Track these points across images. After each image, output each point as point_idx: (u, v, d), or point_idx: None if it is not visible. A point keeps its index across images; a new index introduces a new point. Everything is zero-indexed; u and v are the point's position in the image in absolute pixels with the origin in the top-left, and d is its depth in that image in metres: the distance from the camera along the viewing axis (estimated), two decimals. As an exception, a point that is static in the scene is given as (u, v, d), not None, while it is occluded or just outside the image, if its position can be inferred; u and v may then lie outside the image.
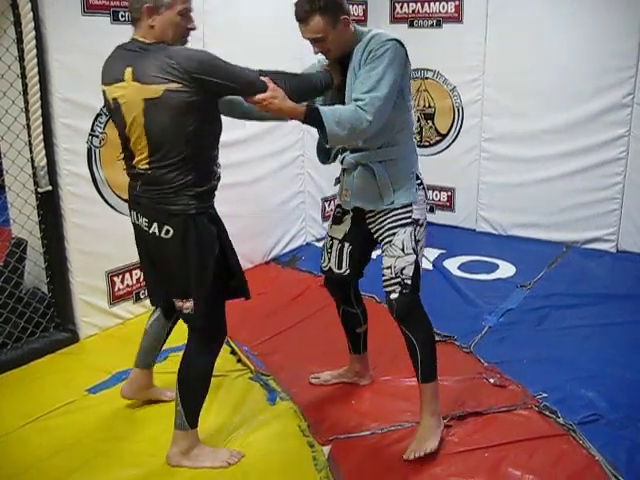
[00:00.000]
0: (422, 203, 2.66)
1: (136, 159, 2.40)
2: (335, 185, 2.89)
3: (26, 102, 3.30)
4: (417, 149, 2.77)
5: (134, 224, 2.53)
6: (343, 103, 2.53)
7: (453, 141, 5.74)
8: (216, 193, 2.54)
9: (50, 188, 3.40)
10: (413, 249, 2.60)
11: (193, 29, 2.45)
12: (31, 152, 3.35)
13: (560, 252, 5.12)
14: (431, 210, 5.95)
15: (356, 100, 2.39)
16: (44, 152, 3.33)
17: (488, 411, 2.93)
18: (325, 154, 2.79)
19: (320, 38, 2.48)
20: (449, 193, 5.85)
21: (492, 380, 3.19)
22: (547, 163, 5.26)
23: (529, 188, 5.37)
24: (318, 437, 2.77)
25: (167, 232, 2.39)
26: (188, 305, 2.48)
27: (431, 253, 5.11)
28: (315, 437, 2.77)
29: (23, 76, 3.27)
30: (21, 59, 3.25)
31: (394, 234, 2.61)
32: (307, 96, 2.56)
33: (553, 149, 5.22)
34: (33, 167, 3.37)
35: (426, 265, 4.89)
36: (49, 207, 3.47)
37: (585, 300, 4.19)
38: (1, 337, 3.38)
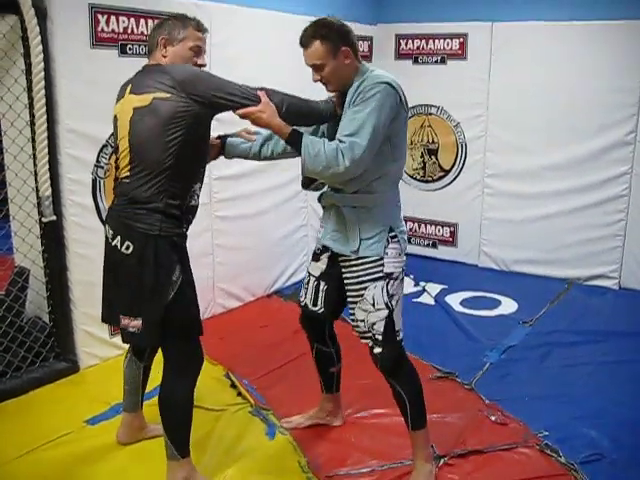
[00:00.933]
0: (396, 256, 2.57)
1: (119, 169, 2.45)
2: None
3: (33, 132, 3.33)
4: (401, 199, 2.70)
5: (105, 237, 2.52)
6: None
7: (456, 177, 5.76)
8: (189, 228, 2.54)
9: (54, 218, 3.41)
10: (386, 304, 2.54)
11: (202, 65, 2.53)
12: (36, 182, 3.37)
13: (562, 289, 5.11)
14: (434, 245, 5.97)
15: (340, 141, 2.38)
16: (49, 182, 3.34)
17: (489, 449, 2.91)
18: (307, 180, 2.70)
19: (319, 65, 2.50)
20: (452, 228, 5.86)
21: (493, 418, 3.17)
22: (550, 199, 5.28)
23: (532, 224, 5.38)
24: (317, 473, 2.75)
25: (127, 247, 2.39)
26: (134, 324, 2.44)
27: (433, 288, 5.11)
28: (314, 473, 2.75)
29: (31, 106, 3.30)
30: (29, 90, 3.29)
31: (365, 288, 2.55)
32: (306, 120, 2.61)
33: (556, 186, 5.24)
34: (38, 197, 3.39)
35: (428, 300, 4.90)
36: (52, 237, 3.48)
37: (587, 337, 4.18)
38: (1, 366, 3.36)
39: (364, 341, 2.61)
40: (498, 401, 3.32)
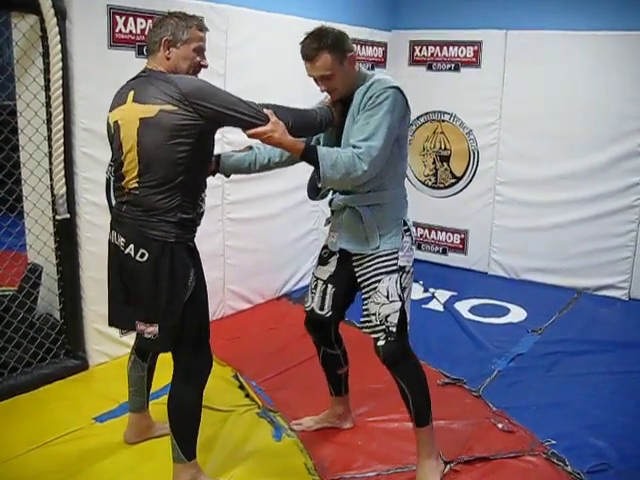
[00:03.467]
0: (408, 250, 2.64)
1: (126, 179, 2.41)
2: (325, 226, 2.88)
3: (49, 131, 3.37)
4: (408, 195, 2.75)
5: (110, 243, 2.53)
6: (337, 144, 2.58)
7: (468, 184, 5.77)
8: (197, 229, 2.55)
9: (68, 216, 3.44)
10: (399, 296, 2.58)
11: (205, 66, 2.54)
12: (51, 180, 3.41)
13: (572, 298, 5.11)
14: (444, 252, 5.97)
15: (354, 147, 2.41)
16: (64, 180, 3.38)
17: (496, 457, 2.91)
18: (314, 191, 2.77)
19: (328, 76, 2.52)
20: (462, 235, 5.86)
21: (500, 425, 3.17)
22: (561, 208, 5.28)
23: (542, 233, 5.38)
24: (323, 476, 2.76)
25: (142, 255, 2.38)
26: (150, 330, 2.45)
27: (442, 295, 5.12)
28: (321, 476, 2.76)
29: (48, 105, 3.34)
30: (47, 89, 3.32)
31: (379, 281, 2.59)
32: (308, 132, 2.62)
33: (567, 195, 5.24)
34: (52, 195, 3.42)
35: (437, 307, 4.90)
36: (66, 235, 3.51)
37: (596, 347, 4.17)
38: (12, 361, 3.39)
39: (374, 335, 2.62)
40: (505, 409, 3.32)
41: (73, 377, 3.58)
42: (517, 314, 4.78)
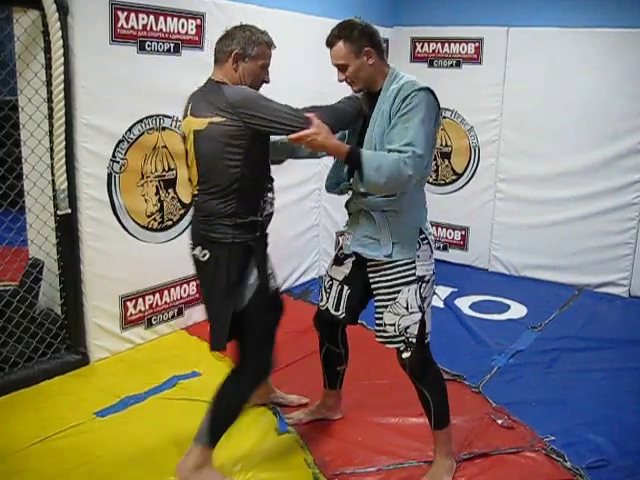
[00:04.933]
0: (427, 258, 2.59)
1: (191, 186, 2.59)
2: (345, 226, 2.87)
3: (51, 126, 3.37)
4: (427, 199, 2.75)
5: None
6: (362, 134, 2.56)
7: (469, 180, 5.77)
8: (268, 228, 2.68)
9: (69, 211, 3.44)
10: (419, 307, 2.55)
11: (267, 82, 2.64)
12: (53, 175, 3.41)
13: (572, 295, 5.12)
14: (444, 248, 5.97)
15: (399, 151, 2.37)
16: (65, 175, 3.38)
17: (495, 452, 2.92)
18: (334, 183, 2.74)
19: (342, 65, 2.53)
20: (463, 232, 5.87)
21: (500, 421, 3.18)
22: (561, 205, 5.28)
23: (543, 230, 5.39)
24: (324, 471, 2.77)
25: (204, 255, 2.52)
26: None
27: (443, 291, 5.12)
28: (321, 471, 2.77)
29: (49, 100, 3.34)
30: (48, 84, 3.33)
31: (398, 292, 2.55)
32: (345, 127, 2.65)
33: (568, 192, 5.25)
34: (54, 190, 3.42)
35: (437, 303, 4.89)
36: (67, 230, 3.51)
37: (596, 344, 4.18)
38: (13, 356, 3.40)
39: (390, 346, 2.61)
40: (505, 405, 3.33)
41: (74, 372, 3.58)
42: (517, 311, 4.79)
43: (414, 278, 2.55)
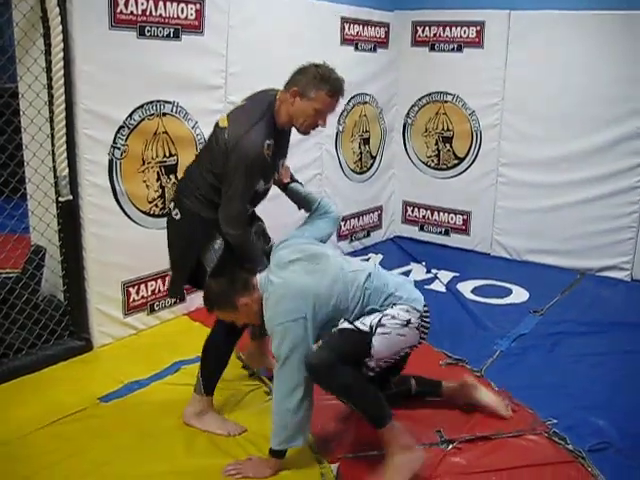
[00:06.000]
0: (403, 311, 2.65)
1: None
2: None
3: (51, 112, 3.36)
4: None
5: None
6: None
7: (470, 165, 5.75)
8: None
9: (71, 198, 3.44)
10: (370, 326, 2.58)
11: (320, 126, 2.81)
12: (54, 161, 3.40)
13: (574, 279, 5.11)
14: (446, 233, 5.97)
15: None
16: (66, 162, 3.37)
17: (497, 435, 2.92)
18: None
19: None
20: (465, 217, 5.86)
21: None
22: (563, 190, 5.27)
23: (545, 214, 5.38)
24: (327, 455, 2.78)
25: (176, 214, 2.90)
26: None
27: (445, 276, 5.13)
28: (324, 455, 2.78)
29: (49, 87, 3.33)
30: (48, 70, 3.31)
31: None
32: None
33: (570, 176, 5.23)
34: (55, 176, 3.42)
35: (439, 288, 4.91)
36: (69, 216, 3.51)
37: (598, 328, 4.18)
38: (16, 342, 3.41)
39: None
40: (507, 388, 3.33)
41: (77, 358, 3.60)
42: (519, 295, 4.79)
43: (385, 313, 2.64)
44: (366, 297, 2.65)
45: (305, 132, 2.82)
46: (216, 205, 2.78)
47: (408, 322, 2.64)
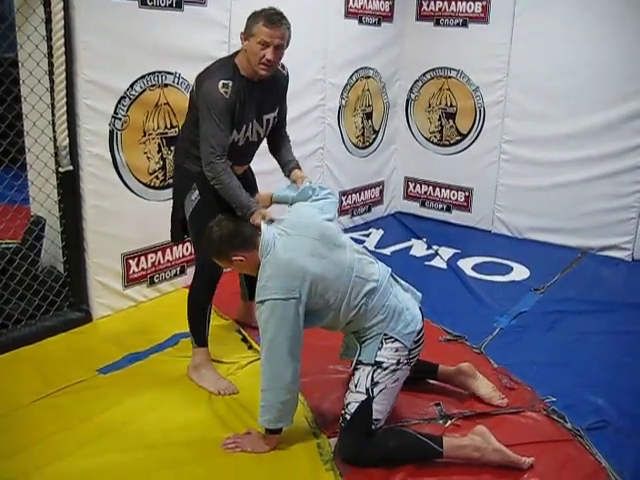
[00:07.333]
0: (391, 350, 2.59)
1: None
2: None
3: (51, 82, 3.33)
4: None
5: None
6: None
7: (473, 141, 5.72)
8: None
9: (71, 168, 3.42)
10: (366, 389, 2.57)
11: (270, 61, 2.77)
12: (54, 132, 3.38)
13: (575, 258, 5.10)
14: (448, 209, 5.96)
15: None
16: (67, 132, 3.35)
17: (496, 412, 2.93)
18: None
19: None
20: (467, 193, 5.84)
21: (502, 382, 3.18)
22: (566, 168, 5.23)
23: (547, 192, 5.35)
24: (325, 429, 2.78)
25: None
26: None
27: (446, 252, 5.12)
28: (322, 429, 2.79)
29: (50, 56, 3.29)
30: (49, 39, 3.27)
31: (357, 369, 2.64)
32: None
33: (573, 154, 5.19)
34: (55, 147, 3.40)
35: (440, 264, 4.91)
36: (69, 187, 3.49)
37: (598, 307, 4.18)
38: (16, 313, 3.41)
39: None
40: (507, 366, 3.34)
41: (77, 329, 3.60)
42: (520, 272, 4.78)
43: (371, 362, 2.60)
44: (361, 311, 2.60)
45: (262, 71, 2.79)
46: (197, 157, 2.90)
47: (398, 363, 2.61)
